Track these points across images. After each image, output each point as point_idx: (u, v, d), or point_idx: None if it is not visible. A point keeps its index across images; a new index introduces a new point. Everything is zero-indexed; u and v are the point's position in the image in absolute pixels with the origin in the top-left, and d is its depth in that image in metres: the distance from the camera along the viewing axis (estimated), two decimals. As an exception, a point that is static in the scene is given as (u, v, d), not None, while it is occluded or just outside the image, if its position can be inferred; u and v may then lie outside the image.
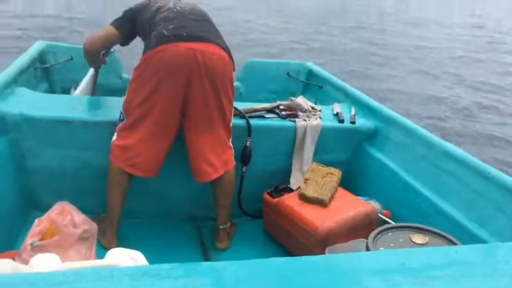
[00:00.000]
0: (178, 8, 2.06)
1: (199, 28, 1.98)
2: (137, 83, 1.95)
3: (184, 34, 1.89)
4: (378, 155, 2.43)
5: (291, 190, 2.30)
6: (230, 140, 2.14)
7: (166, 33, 1.89)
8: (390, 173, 2.32)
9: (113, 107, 2.15)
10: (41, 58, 2.84)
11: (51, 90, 2.92)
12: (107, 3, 10.23)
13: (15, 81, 2.30)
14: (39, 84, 2.78)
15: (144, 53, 1.95)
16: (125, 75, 3.09)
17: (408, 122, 2.40)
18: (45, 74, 2.90)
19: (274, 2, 16.52)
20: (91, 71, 2.58)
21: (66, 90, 2.92)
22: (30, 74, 2.62)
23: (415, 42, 11.34)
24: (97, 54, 2.34)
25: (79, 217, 1.82)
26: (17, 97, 2.16)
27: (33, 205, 2.19)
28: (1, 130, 2.00)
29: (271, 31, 11.41)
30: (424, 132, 2.29)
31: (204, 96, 1.94)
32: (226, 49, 1.99)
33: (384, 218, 2.12)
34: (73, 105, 2.25)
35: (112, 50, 2.70)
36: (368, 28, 13.03)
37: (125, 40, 2.27)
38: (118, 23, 2.21)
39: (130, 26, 2.20)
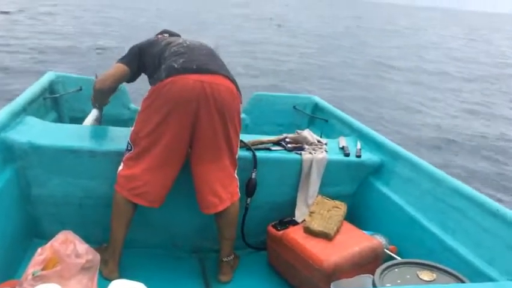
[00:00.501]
0: (187, 42, 2.13)
1: (208, 61, 2.01)
2: (146, 114, 1.97)
3: (194, 67, 1.93)
4: (384, 189, 2.42)
5: (296, 223, 2.28)
6: (236, 171, 2.14)
7: (175, 66, 1.93)
8: (396, 207, 2.30)
9: (121, 137, 2.17)
10: (50, 88, 2.90)
11: (60, 119, 2.96)
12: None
13: (24, 110, 2.33)
14: (48, 114, 2.83)
15: (153, 84, 1.98)
16: (132, 106, 3.14)
17: (414, 157, 2.40)
18: (54, 104, 2.94)
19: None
20: (94, 112, 2.53)
21: (74, 120, 2.96)
22: (39, 104, 2.66)
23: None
24: (108, 93, 2.36)
25: (82, 247, 1.81)
26: (25, 126, 2.19)
27: (37, 234, 2.18)
28: (8, 158, 2.01)
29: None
30: (430, 167, 2.29)
31: (212, 128, 1.95)
32: (233, 81, 2.03)
33: (390, 253, 2.10)
34: (80, 134, 2.27)
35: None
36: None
37: (133, 76, 2.31)
38: (126, 60, 2.26)
39: (137, 62, 2.25)
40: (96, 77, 2.62)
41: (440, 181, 2.17)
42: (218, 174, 2.05)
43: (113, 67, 2.26)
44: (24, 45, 10.11)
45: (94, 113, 2.53)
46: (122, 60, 2.26)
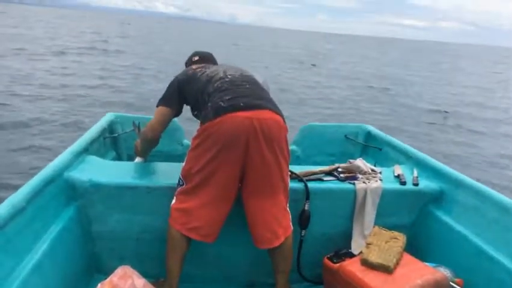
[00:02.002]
0: (229, 76, 2.13)
1: (253, 95, 2.02)
2: (197, 153, 2.00)
3: (241, 104, 1.94)
4: (446, 219, 2.30)
5: (353, 255, 2.20)
6: (288, 204, 2.12)
7: (223, 105, 1.95)
8: (460, 237, 2.17)
9: (175, 172, 2.23)
10: (110, 128, 3.05)
11: (119, 157, 3.09)
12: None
13: (86, 150, 2.46)
14: (108, 153, 2.96)
15: (202, 123, 2.01)
16: (186, 141, 3.22)
17: (478, 184, 2.27)
18: (113, 143, 3.09)
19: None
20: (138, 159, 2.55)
21: (132, 157, 3.08)
22: (100, 144, 2.80)
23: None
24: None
25: (140, 281, 1.85)
26: (87, 165, 2.30)
27: (97, 269, 2.25)
28: (71, 196, 2.12)
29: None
30: (497, 194, 2.15)
31: (262, 162, 1.95)
32: (279, 113, 2.03)
33: (456, 286, 1.97)
34: (137, 171, 2.35)
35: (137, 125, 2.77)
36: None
37: (177, 113, 2.37)
38: (167, 102, 2.30)
39: (178, 99, 2.29)
40: (135, 126, 2.71)
41: (508, 209, 2.03)
42: (271, 209, 2.04)
43: (157, 113, 2.31)
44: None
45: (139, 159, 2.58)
46: (163, 102, 2.30)
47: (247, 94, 2.02)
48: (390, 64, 30.30)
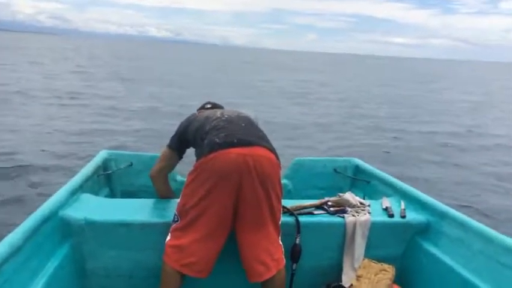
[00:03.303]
0: (226, 116, 2.23)
1: (248, 133, 2.11)
2: (191, 188, 2.07)
3: (235, 141, 2.02)
4: (433, 250, 2.36)
5: (344, 288, 2.24)
6: (280, 238, 2.17)
7: (218, 141, 2.03)
8: (447, 269, 2.22)
9: (169, 208, 2.28)
10: (104, 166, 3.09)
11: (112, 194, 3.12)
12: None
13: (80, 187, 2.50)
14: (102, 190, 3.00)
15: (197, 159, 2.09)
16: (179, 178, 3.27)
17: (462, 216, 2.34)
18: (107, 180, 3.12)
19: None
20: None
21: (126, 194, 3.12)
22: (94, 181, 2.84)
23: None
24: (166, 180, 2.56)
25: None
26: (81, 203, 2.34)
27: None
28: (66, 234, 2.15)
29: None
30: (480, 225, 2.22)
31: (255, 198, 2.01)
32: (273, 150, 2.11)
33: (445, 318, 2.01)
34: (131, 208, 2.39)
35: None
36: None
37: (181, 155, 2.50)
38: (173, 145, 2.44)
39: (182, 142, 2.41)
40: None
41: (491, 240, 2.10)
42: (263, 242, 2.08)
43: (162, 155, 2.49)
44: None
45: None
46: (170, 145, 2.45)
47: (242, 132, 2.10)
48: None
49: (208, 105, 2.65)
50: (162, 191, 2.57)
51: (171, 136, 2.47)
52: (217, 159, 1.98)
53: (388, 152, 9.02)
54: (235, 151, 1.98)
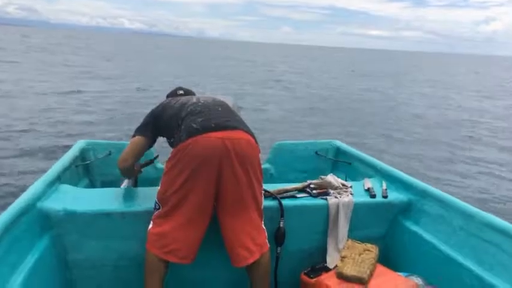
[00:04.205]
0: (202, 101, 2.20)
1: (225, 117, 2.09)
2: (171, 175, 2.04)
3: (213, 125, 2.00)
4: (415, 228, 2.39)
5: (329, 269, 2.26)
6: (263, 222, 2.17)
7: (195, 126, 2.00)
8: (429, 246, 2.26)
9: (150, 196, 2.24)
10: (81, 156, 3.02)
11: (92, 185, 3.07)
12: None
13: (59, 179, 2.44)
14: (81, 180, 2.94)
15: (175, 146, 2.05)
16: (159, 165, 3.23)
17: (443, 194, 2.37)
18: (86, 170, 3.06)
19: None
20: (126, 181, 2.66)
21: (105, 184, 3.06)
22: (72, 172, 2.78)
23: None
24: (132, 169, 2.42)
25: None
26: (60, 194, 2.28)
27: None
28: (46, 226, 2.10)
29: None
30: (461, 202, 2.26)
31: (236, 181, 2.00)
32: (251, 134, 2.09)
33: (428, 294, 2.04)
34: (111, 197, 2.35)
35: (155, 157, 2.85)
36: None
37: (152, 143, 2.38)
38: (142, 131, 2.31)
39: (153, 129, 2.30)
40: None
41: (472, 216, 2.14)
42: (246, 227, 2.08)
43: (131, 143, 2.32)
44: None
45: (127, 181, 2.65)
46: (138, 132, 2.32)
47: (219, 116, 2.08)
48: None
49: (180, 91, 2.58)
50: (126, 176, 2.54)
51: (140, 124, 2.34)
52: (195, 144, 1.95)
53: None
54: (213, 135, 1.96)
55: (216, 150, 1.94)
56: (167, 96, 2.57)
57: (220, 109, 2.15)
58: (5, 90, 13.59)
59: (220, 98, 2.33)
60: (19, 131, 8.41)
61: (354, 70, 26.60)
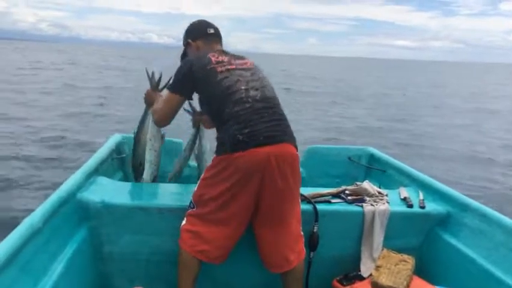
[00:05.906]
0: (251, 96, 1.99)
1: (273, 125, 1.98)
2: (212, 182, 2.01)
3: (261, 138, 1.91)
4: (453, 241, 2.33)
5: (362, 278, 2.22)
6: (301, 228, 2.14)
7: (241, 138, 1.90)
8: (468, 260, 2.19)
9: (185, 193, 2.25)
10: (117, 149, 3.06)
11: (126, 178, 3.10)
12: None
13: (96, 171, 2.47)
14: (116, 173, 2.97)
15: (218, 154, 2.00)
16: (192, 163, 3.24)
17: (484, 207, 2.31)
18: (120, 163, 3.10)
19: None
20: (148, 170, 2.61)
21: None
22: (108, 164, 2.81)
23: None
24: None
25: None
26: (98, 186, 2.31)
27: None
28: (84, 217, 2.12)
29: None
30: (502, 217, 2.19)
31: (277, 194, 1.97)
32: (294, 143, 2.03)
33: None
34: (147, 192, 2.36)
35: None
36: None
37: (189, 98, 2.25)
38: (180, 89, 2.14)
39: (190, 85, 2.12)
40: (149, 75, 2.66)
41: None
42: (286, 238, 2.06)
43: (167, 100, 2.18)
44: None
45: (148, 171, 2.61)
46: (177, 89, 2.14)
47: (267, 126, 1.95)
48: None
49: (211, 30, 2.31)
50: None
51: (178, 79, 2.13)
52: (241, 158, 1.90)
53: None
54: (261, 150, 1.89)
55: (260, 165, 1.90)
56: (194, 35, 2.33)
57: (269, 112, 2.00)
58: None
59: (268, 85, 2.13)
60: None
61: (406, 94, 24.21)
